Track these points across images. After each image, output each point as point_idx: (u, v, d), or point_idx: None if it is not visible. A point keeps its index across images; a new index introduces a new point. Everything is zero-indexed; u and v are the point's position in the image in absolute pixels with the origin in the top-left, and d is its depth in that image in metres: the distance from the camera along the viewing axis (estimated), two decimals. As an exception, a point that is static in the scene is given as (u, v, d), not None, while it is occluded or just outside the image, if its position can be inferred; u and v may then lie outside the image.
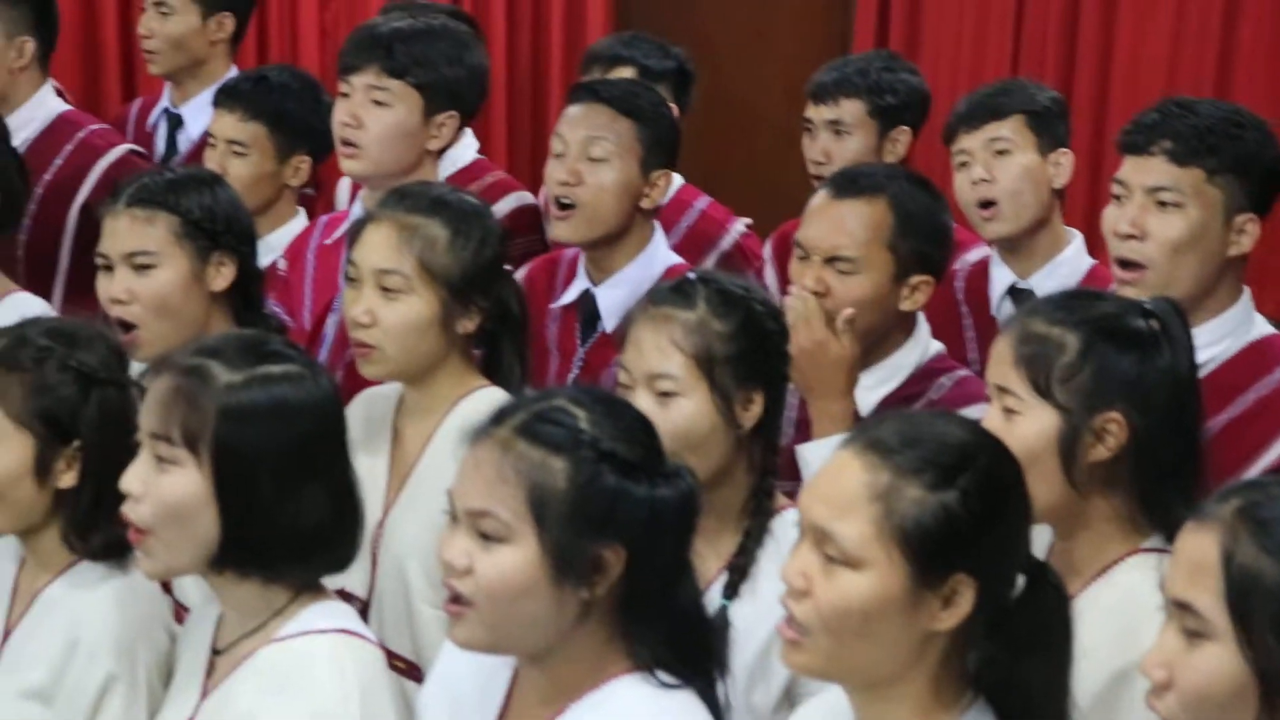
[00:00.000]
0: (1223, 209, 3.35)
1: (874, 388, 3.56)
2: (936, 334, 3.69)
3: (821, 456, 2.97)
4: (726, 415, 3.00)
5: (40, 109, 4.78)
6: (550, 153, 4.03)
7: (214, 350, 2.66)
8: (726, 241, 4.71)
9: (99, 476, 2.83)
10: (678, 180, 4.79)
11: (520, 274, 3.90)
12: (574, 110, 4.01)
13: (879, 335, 3.54)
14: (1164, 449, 2.76)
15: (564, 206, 3.94)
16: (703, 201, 4.82)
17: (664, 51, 5.05)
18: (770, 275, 4.69)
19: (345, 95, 4.04)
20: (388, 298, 3.30)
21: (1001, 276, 4.37)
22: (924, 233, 3.53)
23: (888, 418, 2.45)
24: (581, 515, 2.38)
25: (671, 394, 2.99)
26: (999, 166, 4.33)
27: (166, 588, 3.05)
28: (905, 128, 4.79)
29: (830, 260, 3.50)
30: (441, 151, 4.12)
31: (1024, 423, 2.74)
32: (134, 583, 2.88)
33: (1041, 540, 2.75)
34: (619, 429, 2.43)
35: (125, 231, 3.49)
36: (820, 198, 3.60)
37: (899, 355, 3.58)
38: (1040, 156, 4.35)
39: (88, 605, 2.89)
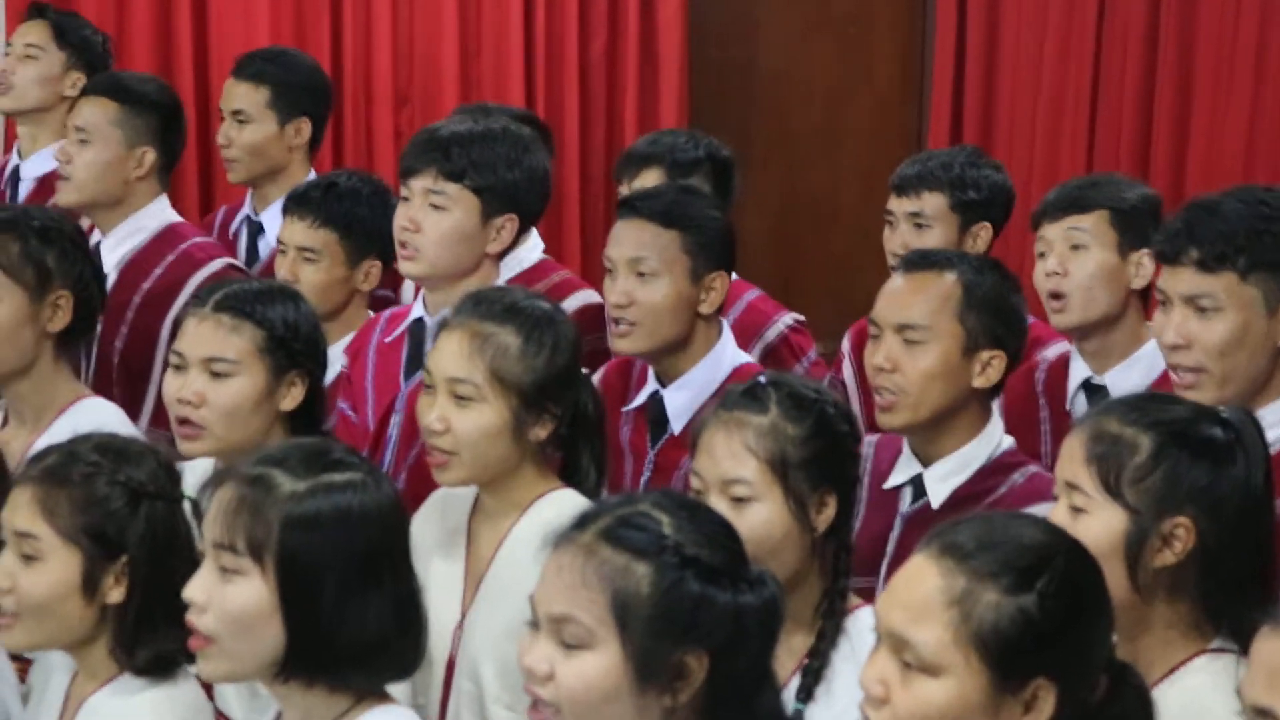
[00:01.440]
0: (1263, 304, 3.36)
1: (945, 479, 3.55)
2: (1013, 426, 3.69)
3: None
4: (801, 519, 3.00)
5: (153, 219, 4.82)
6: (605, 269, 4.03)
7: (277, 459, 2.66)
8: (771, 333, 4.69)
9: (146, 591, 2.83)
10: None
11: (595, 377, 3.91)
12: (618, 228, 4.01)
13: (950, 414, 3.53)
14: (1232, 558, 2.73)
15: (619, 324, 3.94)
16: (752, 294, 4.80)
17: (693, 142, 4.98)
18: (848, 370, 4.69)
19: (405, 199, 4.06)
20: (460, 405, 3.29)
21: (1078, 371, 4.35)
22: (992, 308, 3.54)
23: (963, 521, 2.43)
24: (665, 621, 2.37)
25: (746, 499, 2.99)
26: (1074, 260, 4.30)
27: (208, 693, 3.04)
28: (986, 223, 4.78)
29: (900, 331, 3.51)
30: (502, 254, 4.13)
31: (1091, 521, 2.72)
32: (174, 694, 2.87)
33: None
34: (702, 534, 2.43)
35: (208, 336, 3.50)
36: (893, 277, 3.64)
37: (971, 447, 3.57)
38: (1119, 255, 4.31)
39: (124, 716, 2.89)
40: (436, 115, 6.18)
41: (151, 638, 2.76)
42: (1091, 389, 4.30)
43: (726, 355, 4.01)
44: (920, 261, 3.62)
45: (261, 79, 5.37)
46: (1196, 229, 3.36)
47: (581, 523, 2.45)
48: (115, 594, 2.90)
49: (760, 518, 2.93)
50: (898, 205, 4.83)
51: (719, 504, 2.93)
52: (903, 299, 3.56)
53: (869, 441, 3.68)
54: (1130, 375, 4.26)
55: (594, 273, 6.23)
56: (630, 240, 3.95)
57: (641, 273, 3.92)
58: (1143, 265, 4.30)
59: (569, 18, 6.65)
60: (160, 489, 2.95)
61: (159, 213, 4.90)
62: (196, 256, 4.85)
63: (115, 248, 4.81)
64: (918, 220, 4.78)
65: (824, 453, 3.03)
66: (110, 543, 2.89)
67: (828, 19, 7.00)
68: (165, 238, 4.83)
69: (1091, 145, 6.59)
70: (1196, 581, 2.72)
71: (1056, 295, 4.31)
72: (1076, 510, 2.75)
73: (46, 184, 5.29)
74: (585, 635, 2.38)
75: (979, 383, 3.53)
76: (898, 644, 2.33)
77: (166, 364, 4.67)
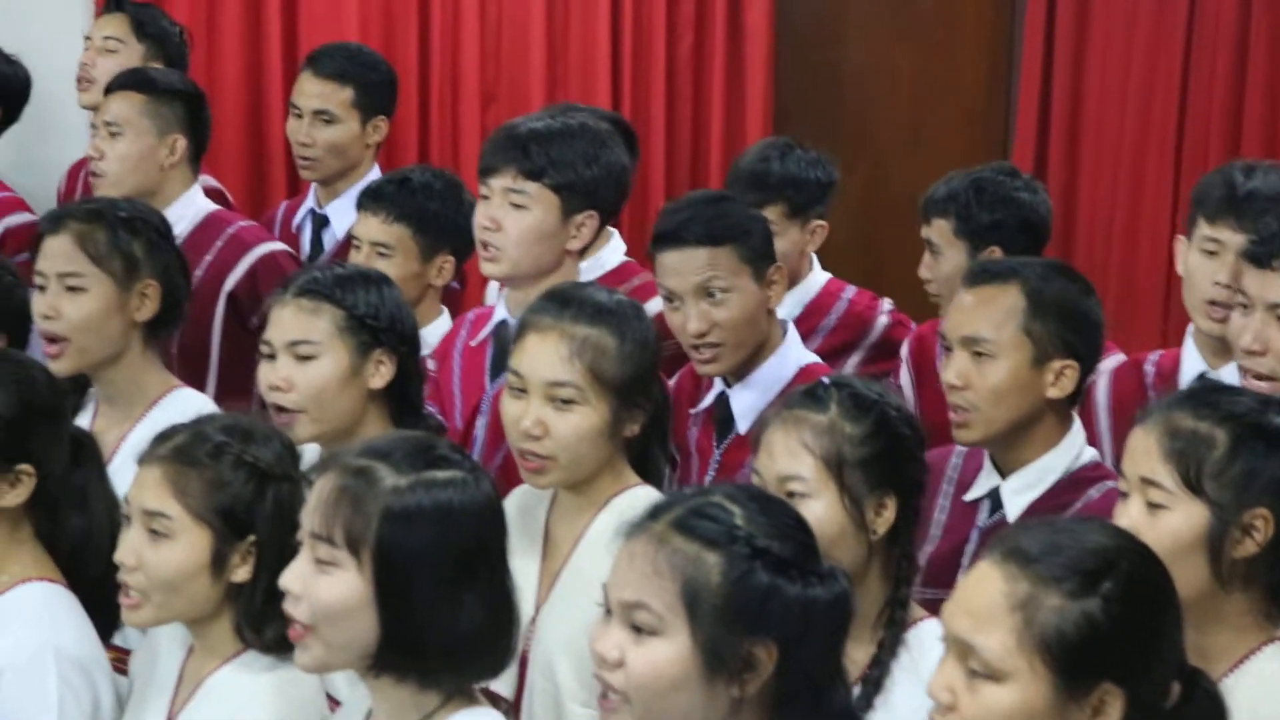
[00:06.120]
0: None
1: (1021, 492, 3.55)
2: (1121, 422, 3.64)
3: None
4: (857, 519, 3.01)
5: (190, 207, 4.87)
6: (665, 300, 4.01)
7: (382, 452, 2.67)
8: (878, 329, 4.74)
9: (273, 570, 2.84)
10: (821, 275, 4.81)
11: (670, 381, 3.92)
12: (669, 259, 3.97)
13: (1026, 426, 3.52)
14: None
15: (702, 351, 3.94)
16: (849, 291, 4.86)
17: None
18: (905, 377, 4.68)
19: (485, 198, 4.06)
20: (559, 409, 3.29)
21: (1191, 364, 4.22)
22: (1061, 315, 3.52)
23: (1027, 526, 2.44)
24: (734, 611, 2.39)
25: (801, 495, 3.00)
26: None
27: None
28: (995, 248, 4.57)
29: (967, 346, 3.50)
30: (583, 251, 4.13)
31: (1172, 517, 2.73)
32: (296, 674, 2.88)
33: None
34: (774, 526, 2.44)
35: (290, 321, 3.54)
36: (960, 292, 3.62)
37: (1048, 458, 3.56)
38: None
39: (250, 693, 2.93)
40: (523, 113, 6.19)
41: (278, 616, 2.78)
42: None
43: (792, 355, 4.02)
44: (983, 274, 3.60)
45: (345, 78, 5.40)
46: None
47: (654, 513, 2.47)
48: (241, 573, 2.95)
49: (814, 514, 2.91)
50: (922, 232, 4.77)
51: None
52: (968, 313, 3.55)
53: (959, 451, 3.68)
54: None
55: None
56: (689, 267, 3.94)
57: (712, 294, 3.93)
58: None
59: (656, 17, 6.65)
60: (285, 470, 2.99)
61: (195, 200, 4.96)
62: (245, 239, 4.93)
63: None
64: (932, 248, 4.74)
65: (882, 454, 3.04)
66: (239, 522, 2.94)
67: (915, 20, 6.98)
68: (209, 224, 4.90)
69: (1179, 147, 6.54)
70: (1266, 570, 2.74)
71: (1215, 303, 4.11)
72: (1155, 506, 2.75)
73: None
74: (656, 622, 2.40)
75: (1052, 393, 3.51)
76: (963, 650, 2.33)
77: (224, 346, 4.79)
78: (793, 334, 4.06)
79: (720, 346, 3.93)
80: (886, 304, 4.86)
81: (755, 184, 4.83)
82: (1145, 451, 2.77)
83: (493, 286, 5.17)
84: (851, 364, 4.74)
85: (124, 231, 3.84)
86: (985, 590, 2.34)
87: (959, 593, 2.39)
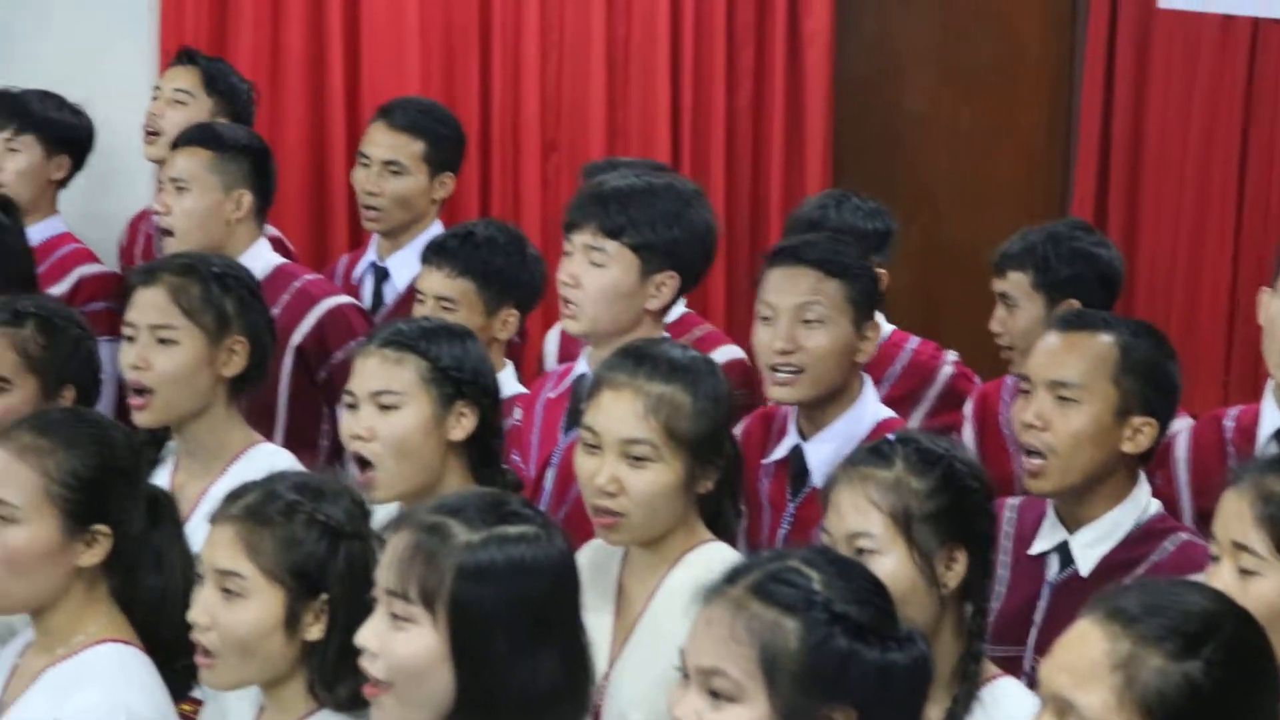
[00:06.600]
0: None
1: (1092, 545, 3.54)
2: (1199, 476, 3.64)
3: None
4: (928, 574, 3.01)
5: (257, 260, 4.86)
6: (756, 317, 4.03)
7: (454, 508, 2.69)
8: (942, 379, 4.74)
9: (346, 629, 2.85)
10: (885, 326, 4.83)
11: (738, 429, 3.92)
12: (779, 275, 4.00)
13: (1099, 480, 3.52)
14: None
15: (781, 372, 3.94)
16: (913, 342, 4.86)
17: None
18: (969, 434, 4.67)
19: (568, 253, 4.07)
20: (634, 466, 3.30)
21: (1271, 420, 4.17)
22: (1148, 374, 3.54)
23: (1129, 585, 2.43)
24: (812, 677, 2.38)
25: (870, 552, 3.00)
26: None
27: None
28: (1074, 300, 4.62)
29: (1053, 389, 3.50)
30: (663, 311, 4.13)
31: (1264, 584, 2.73)
32: None
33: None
34: (852, 591, 2.44)
35: (374, 371, 3.57)
36: (1049, 334, 3.62)
37: (1118, 512, 3.56)
38: None
39: None
40: (584, 160, 6.21)
41: (350, 674, 2.79)
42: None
43: (869, 409, 4.02)
44: (1078, 320, 3.62)
45: (417, 131, 5.43)
46: None
47: (732, 577, 2.46)
48: (314, 631, 2.95)
49: (884, 571, 2.90)
50: (994, 285, 4.80)
51: None
52: (1058, 356, 3.55)
53: (1011, 505, 3.68)
54: None
55: (738, 327, 6.25)
56: (795, 287, 3.96)
57: (807, 319, 3.93)
58: None
59: (715, 68, 6.67)
60: (356, 527, 2.99)
61: (262, 254, 4.97)
62: (313, 293, 4.95)
63: None
64: (1006, 300, 4.75)
65: (951, 508, 3.04)
66: (312, 581, 2.94)
67: (973, 70, 6.97)
68: (276, 278, 4.90)
69: (1241, 194, 6.53)
70: None
71: None
72: (1247, 572, 2.74)
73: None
74: (734, 689, 2.40)
75: (1128, 448, 3.52)
76: (1062, 707, 2.33)
77: (291, 400, 4.80)
78: (870, 388, 4.06)
79: (800, 373, 3.93)
80: (950, 355, 4.86)
81: (811, 232, 4.86)
82: (1238, 516, 2.77)
83: (550, 342, 5.21)
84: (917, 416, 4.74)
85: (217, 286, 3.87)
86: (1086, 648, 2.33)
87: (1059, 650, 2.38)
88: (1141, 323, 3.71)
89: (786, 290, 3.97)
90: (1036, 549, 3.61)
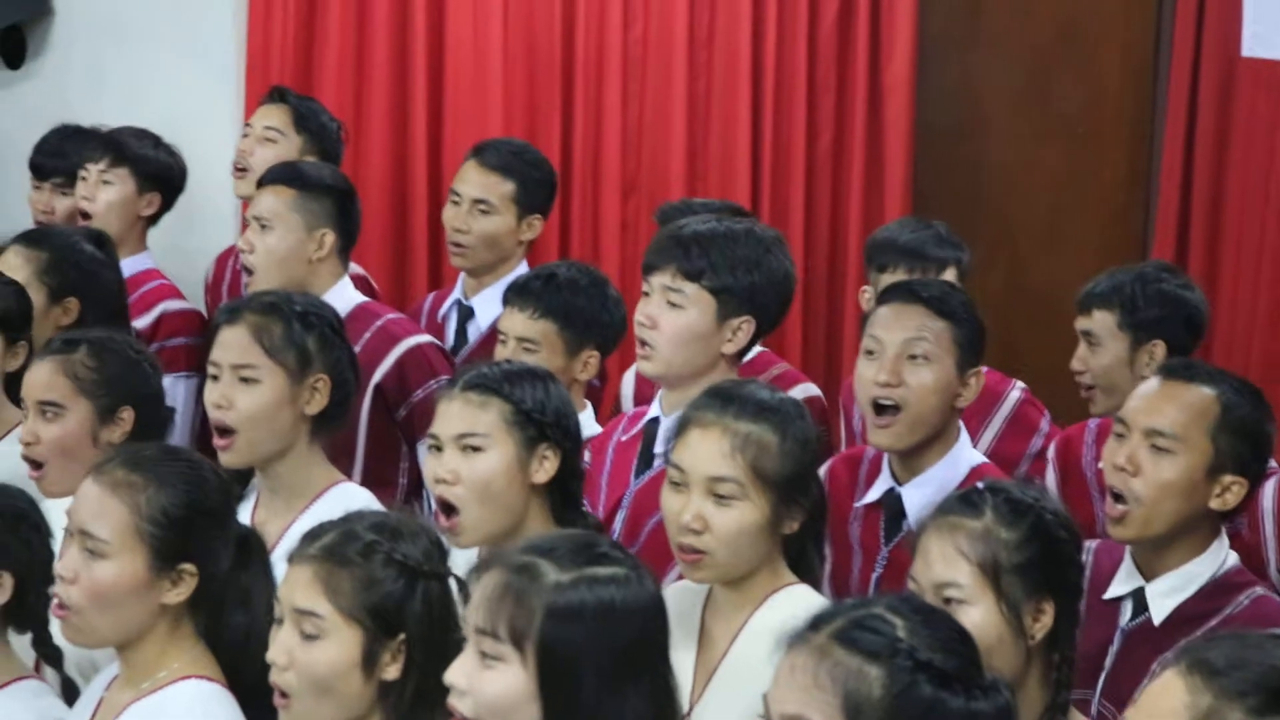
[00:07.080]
0: None
1: (1167, 595, 3.54)
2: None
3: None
4: (1015, 625, 3.01)
5: (339, 299, 4.88)
6: (861, 352, 4.04)
7: (545, 549, 2.71)
8: (1008, 404, 4.79)
9: (423, 669, 2.87)
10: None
11: (822, 469, 3.92)
12: (890, 311, 4.01)
13: (1181, 532, 3.51)
14: None
15: (883, 409, 3.94)
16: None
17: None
18: (1051, 477, 4.67)
19: (646, 294, 4.09)
20: (719, 504, 3.32)
21: None
22: (1246, 433, 3.53)
23: (1218, 638, 2.42)
24: None
25: (958, 602, 3.00)
26: None
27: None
28: (1160, 341, 4.68)
29: (1149, 436, 3.49)
30: (739, 356, 4.14)
31: None
32: None
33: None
34: (936, 639, 2.43)
35: (458, 414, 3.58)
36: (1151, 381, 3.61)
37: (1195, 564, 3.55)
38: None
39: None
40: (662, 200, 6.23)
41: (429, 715, 2.80)
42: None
43: (964, 455, 4.02)
44: (1182, 370, 3.62)
45: (509, 172, 5.47)
46: None
47: (815, 624, 2.46)
48: (392, 671, 2.95)
49: (972, 621, 2.91)
50: (1077, 323, 4.81)
51: None
52: (1158, 404, 3.55)
53: (1088, 547, 3.66)
54: None
55: (814, 366, 6.27)
56: (904, 323, 3.96)
57: (914, 355, 3.94)
58: None
59: (797, 112, 6.68)
60: (434, 567, 3.00)
61: (344, 293, 4.99)
62: (394, 331, 4.97)
63: None
64: (1090, 339, 4.75)
65: (1040, 559, 3.04)
66: (389, 621, 2.95)
67: (1055, 119, 6.96)
68: (358, 316, 4.92)
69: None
70: None
71: None
72: None
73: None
74: (819, 736, 2.40)
75: (1215, 504, 3.51)
76: (1142, 758, 2.32)
77: (370, 438, 4.82)
78: (965, 435, 4.06)
79: (899, 411, 3.92)
80: (1019, 383, 4.88)
81: (881, 252, 4.89)
82: None
83: (627, 384, 5.22)
84: (985, 440, 4.74)
85: (299, 325, 3.88)
86: (1168, 700, 2.32)
87: (1142, 699, 2.37)
88: (1244, 380, 3.71)
89: (895, 326, 3.97)
90: (1111, 593, 3.61)
